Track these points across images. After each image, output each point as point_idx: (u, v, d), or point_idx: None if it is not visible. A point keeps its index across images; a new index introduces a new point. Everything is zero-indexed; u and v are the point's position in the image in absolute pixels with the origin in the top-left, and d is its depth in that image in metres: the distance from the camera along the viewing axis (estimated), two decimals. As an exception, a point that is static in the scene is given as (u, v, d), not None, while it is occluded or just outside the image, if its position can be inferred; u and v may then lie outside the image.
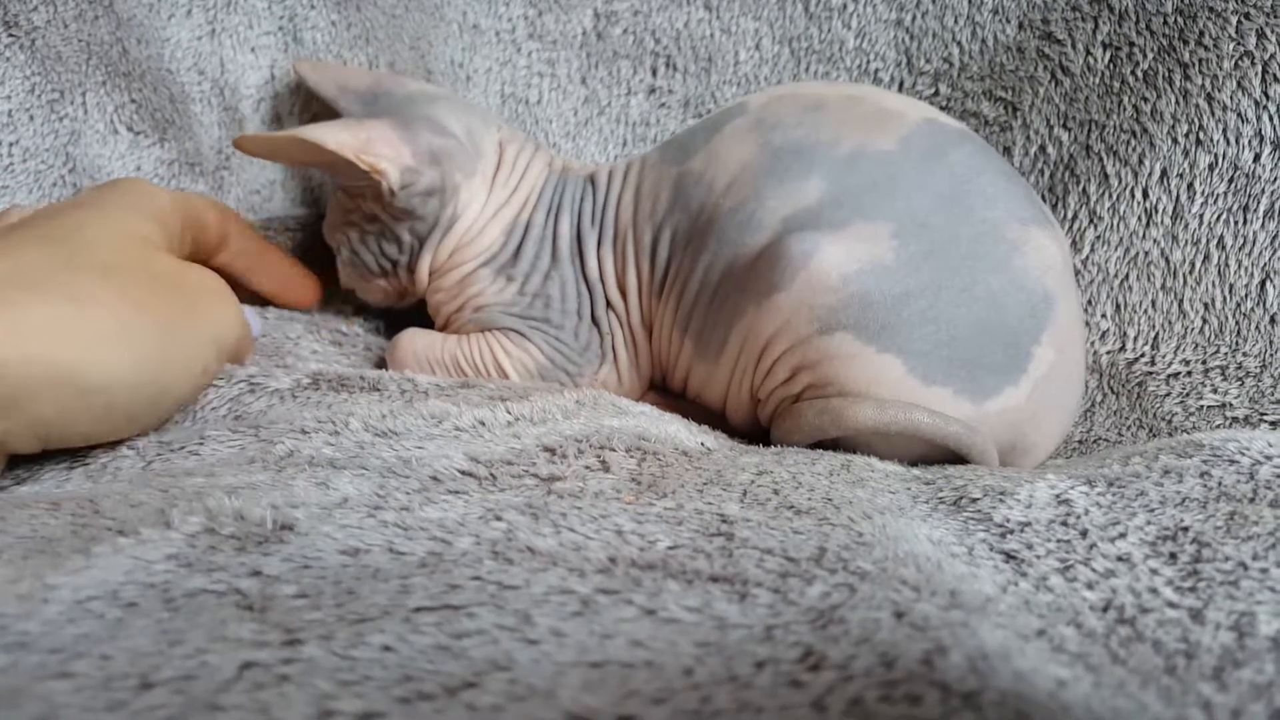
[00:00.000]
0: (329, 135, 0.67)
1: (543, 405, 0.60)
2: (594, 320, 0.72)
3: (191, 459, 0.53)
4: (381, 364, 0.76)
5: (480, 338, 0.73)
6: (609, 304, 0.71)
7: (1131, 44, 0.79)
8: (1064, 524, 0.46)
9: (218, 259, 0.70)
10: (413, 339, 0.74)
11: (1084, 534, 0.45)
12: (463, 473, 0.48)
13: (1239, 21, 0.75)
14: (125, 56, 0.81)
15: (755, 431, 0.68)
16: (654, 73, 0.95)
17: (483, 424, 0.57)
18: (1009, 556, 0.44)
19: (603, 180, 0.74)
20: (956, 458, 0.61)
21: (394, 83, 0.78)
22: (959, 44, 0.86)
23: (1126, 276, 0.79)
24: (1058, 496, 0.49)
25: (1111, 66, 0.80)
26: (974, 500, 0.50)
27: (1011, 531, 0.46)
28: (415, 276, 0.76)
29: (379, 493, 0.45)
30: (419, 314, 0.81)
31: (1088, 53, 0.81)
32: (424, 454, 0.51)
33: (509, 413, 0.58)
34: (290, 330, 0.76)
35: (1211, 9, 0.76)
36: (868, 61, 0.89)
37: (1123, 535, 0.44)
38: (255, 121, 0.88)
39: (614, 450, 0.53)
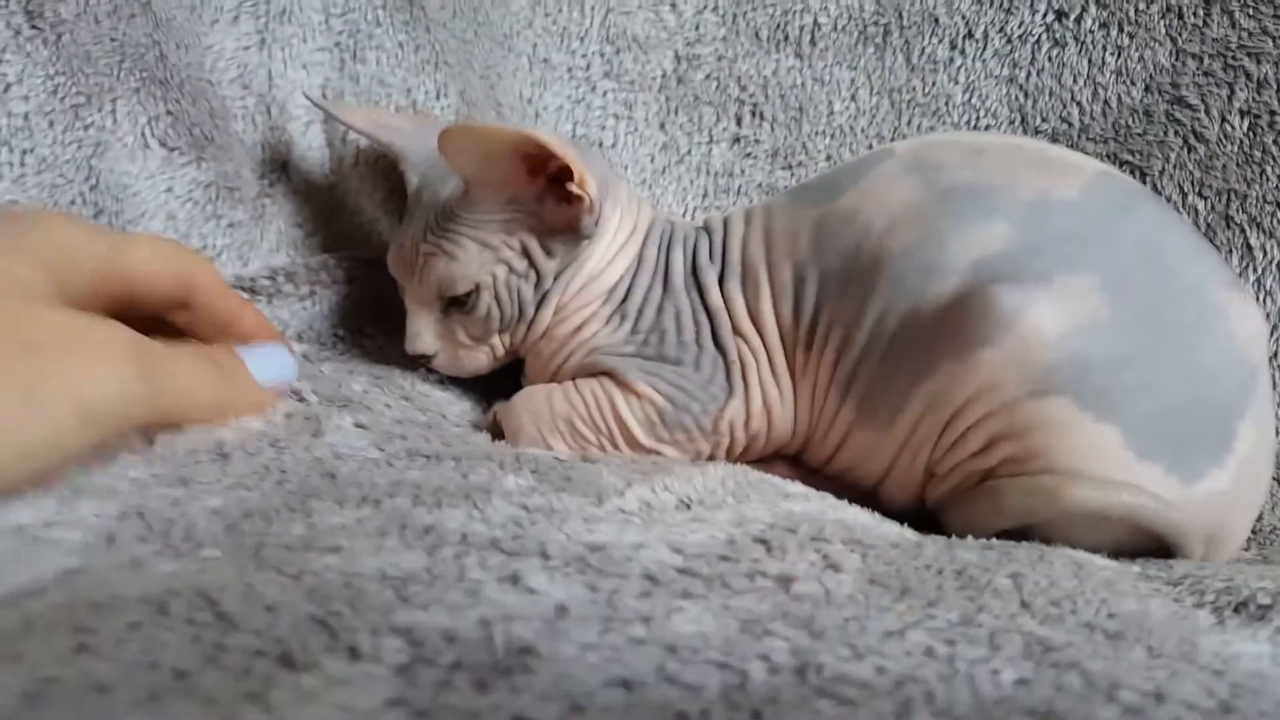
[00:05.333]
0: (554, 140, 0.59)
1: (703, 483, 0.51)
2: (718, 347, 0.62)
3: (298, 524, 0.42)
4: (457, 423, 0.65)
5: (592, 386, 0.63)
6: (738, 331, 0.62)
7: (1273, 112, 0.75)
8: None
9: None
10: (529, 399, 0.64)
11: None
12: (680, 570, 0.38)
13: (1393, 91, 0.71)
14: (163, 62, 0.70)
15: (914, 514, 0.59)
16: (738, 121, 0.87)
17: (649, 506, 0.47)
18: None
19: (718, 225, 0.67)
20: (1158, 548, 0.54)
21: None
22: (1079, 104, 0.81)
23: (1275, 354, 0.73)
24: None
25: (1251, 134, 0.75)
26: (1265, 606, 0.43)
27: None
28: (534, 325, 0.66)
29: (598, 598, 0.35)
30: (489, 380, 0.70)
31: (1224, 119, 0.76)
32: (608, 540, 0.41)
33: (670, 491, 0.49)
34: (354, 383, 0.64)
35: (1363, 78, 0.72)
36: (978, 117, 0.83)
37: None
38: (303, 146, 0.77)
39: (830, 542, 0.44)
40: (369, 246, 0.78)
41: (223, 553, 0.39)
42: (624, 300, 0.65)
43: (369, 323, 0.75)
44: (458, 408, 0.68)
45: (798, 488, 0.55)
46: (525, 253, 0.64)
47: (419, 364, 0.69)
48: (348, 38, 0.78)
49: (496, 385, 0.70)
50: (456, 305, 0.66)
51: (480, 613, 0.31)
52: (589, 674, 0.28)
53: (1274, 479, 0.68)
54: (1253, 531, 0.65)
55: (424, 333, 0.67)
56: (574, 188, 0.61)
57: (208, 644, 0.29)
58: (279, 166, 0.77)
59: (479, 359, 0.68)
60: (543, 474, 0.50)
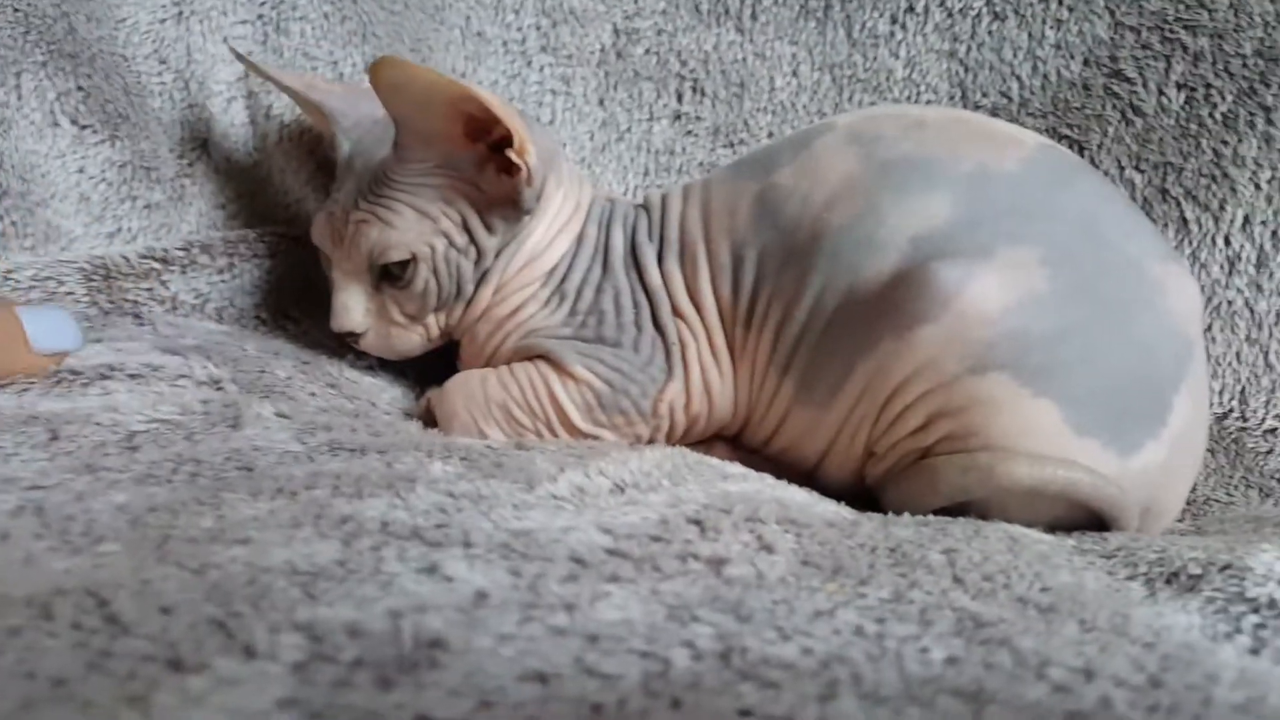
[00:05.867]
0: (497, 102, 0.57)
1: (639, 466, 0.50)
2: (658, 328, 0.61)
3: (207, 517, 0.39)
4: (396, 412, 0.63)
5: (528, 370, 0.61)
6: (677, 312, 0.61)
7: (1209, 85, 0.75)
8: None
9: None
10: (463, 384, 0.62)
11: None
12: (609, 551, 0.37)
13: (1326, 65, 0.71)
14: (72, 35, 0.67)
15: (853, 493, 0.58)
16: (679, 97, 0.86)
17: (582, 491, 0.45)
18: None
19: (656, 203, 0.65)
20: (1094, 521, 0.54)
21: None
22: (1018, 78, 0.80)
23: (1209, 327, 0.74)
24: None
25: (1188, 108, 0.75)
26: (1195, 576, 0.43)
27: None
28: (472, 304, 0.64)
29: (520, 582, 0.33)
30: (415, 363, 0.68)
31: (1160, 93, 0.76)
32: (536, 525, 0.39)
33: (605, 475, 0.48)
34: (278, 368, 0.62)
35: (1296, 51, 0.72)
36: (918, 92, 0.82)
37: None
38: (224, 123, 0.74)
39: (764, 523, 0.44)
40: (295, 225, 0.76)
41: (123, 547, 0.36)
42: (563, 281, 0.63)
43: (294, 304, 0.72)
44: (388, 395, 0.65)
45: (736, 468, 0.54)
46: (465, 226, 0.62)
47: (346, 343, 0.66)
48: (270, 9, 0.75)
49: (428, 371, 0.68)
50: (390, 279, 0.63)
51: (390, 604, 0.30)
52: (502, 667, 0.27)
53: (1208, 450, 0.68)
54: (1187, 502, 0.65)
55: (353, 307, 0.64)
56: (513, 155, 0.59)
57: (93, 650, 0.27)
58: (199, 145, 0.74)
59: (412, 339, 0.65)
60: (472, 461, 0.48)
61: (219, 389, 0.57)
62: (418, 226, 0.61)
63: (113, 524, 0.39)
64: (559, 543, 0.37)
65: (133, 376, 0.56)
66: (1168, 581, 0.43)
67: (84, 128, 0.67)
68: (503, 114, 0.57)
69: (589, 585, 0.34)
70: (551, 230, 0.63)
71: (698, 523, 0.41)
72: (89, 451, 0.47)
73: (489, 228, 0.62)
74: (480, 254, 0.62)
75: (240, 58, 0.71)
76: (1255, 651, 0.36)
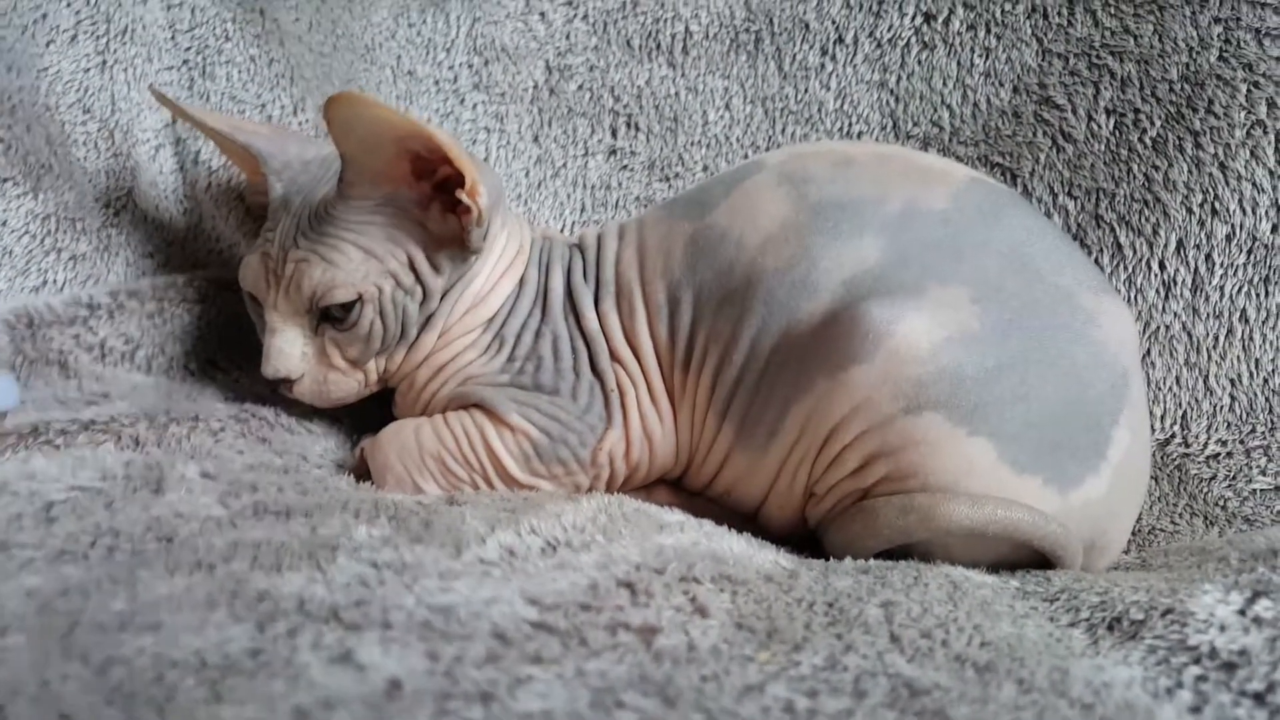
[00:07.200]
0: (453, 144, 0.56)
1: (572, 520, 0.49)
2: (596, 374, 0.60)
3: (119, 598, 0.38)
4: (326, 464, 0.62)
5: (463, 419, 0.60)
6: (615, 356, 0.60)
7: (1137, 110, 0.76)
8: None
9: None
10: (397, 435, 0.60)
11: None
12: (535, 625, 0.36)
13: (1249, 90, 0.72)
14: (-11, 86, 0.65)
15: (795, 535, 0.58)
16: (614, 133, 0.85)
17: (512, 554, 0.44)
18: (1260, 700, 0.35)
19: (591, 242, 0.65)
20: (1038, 560, 0.54)
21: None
22: (949, 107, 0.81)
23: (1148, 352, 0.74)
24: (1242, 612, 0.41)
25: (1117, 133, 0.76)
26: (1137, 622, 0.43)
27: (1236, 666, 0.37)
28: (415, 348, 0.62)
29: (437, 668, 0.32)
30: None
31: (1090, 119, 0.77)
32: (460, 599, 0.38)
33: (536, 533, 0.47)
34: (213, 415, 0.60)
35: (1220, 77, 0.73)
36: (850, 124, 0.83)
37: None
38: (153, 172, 0.73)
39: (699, 582, 0.43)
40: (228, 270, 0.74)
41: (28, 639, 0.35)
42: (503, 326, 0.62)
43: (224, 352, 0.71)
44: (320, 446, 0.63)
45: (675, 516, 0.54)
46: (412, 266, 0.60)
47: (278, 391, 0.63)
48: (196, 54, 0.74)
49: (365, 418, 0.66)
50: (332, 321, 0.61)
51: (297, 701, 0.29)
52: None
53: (1151, 478, 0.69)
54: (1133, 532, 0.65)
55: (289, 351, 0.61)
56: (463, 196, 0.57)
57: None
58: (125, 194, 0.72)
59: (349, 385, 0.63)
60: (401, 520, 0.47)
61: (143, 450, 0.55)
62: (364, 266, 0.60)
63: (20, 611, 0.37)
64: (481, 617, 0.36)
65: (52, 442, 0.54)
66: (1110, 628, 0.43)
67: (5, 180, 0.66)
68: (454, 154, 0.56)
69: (510, 668, 0.33)
70: (496, 272, 0.63)
71: (629, 585, 0.40)
72: (3, 526, 0.45)
73: (436, 268, 0.61)
74: (426, 295, 0.61)
75: (162, 99, 0.69)
76: (1197, 710, 0.35)
